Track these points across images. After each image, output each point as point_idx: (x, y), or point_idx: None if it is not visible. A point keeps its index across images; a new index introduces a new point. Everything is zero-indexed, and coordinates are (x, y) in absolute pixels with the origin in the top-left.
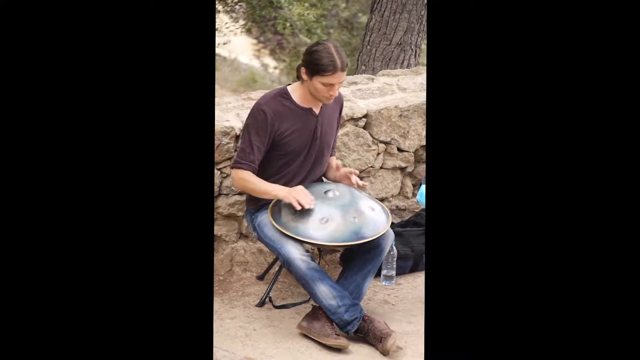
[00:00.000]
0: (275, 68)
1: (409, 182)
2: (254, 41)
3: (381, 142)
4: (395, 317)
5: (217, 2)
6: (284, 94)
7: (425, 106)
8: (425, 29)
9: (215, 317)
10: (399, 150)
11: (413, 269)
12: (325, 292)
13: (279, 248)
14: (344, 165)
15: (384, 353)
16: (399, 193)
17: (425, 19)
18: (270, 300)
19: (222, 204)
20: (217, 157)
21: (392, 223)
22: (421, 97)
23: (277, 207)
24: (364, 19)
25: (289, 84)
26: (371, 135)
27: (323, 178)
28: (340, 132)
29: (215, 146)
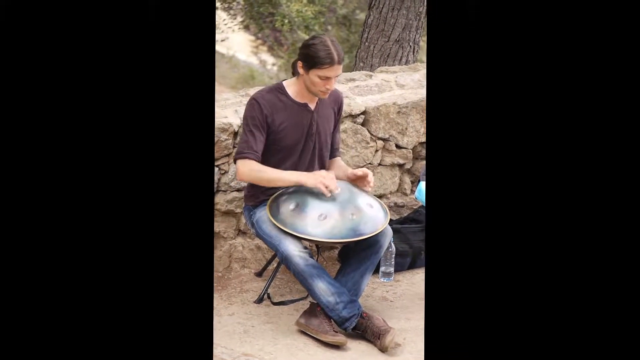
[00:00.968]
0: (274, 65)
1: (407, 179)
2: (252, 38)
3: (379, 138)
4: (393, 314)
5: None
6: (279, 89)
7: (423, 103)
8: (423, 25)
9: (213, 314)
10: (397, 147)
11: (411, 266)
12: (323, 288)
13: (277, 244)
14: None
15: (382, 350)
16: (397, 190)
17: (423, 15)
18: (269, 297)
19: (220, 201)
20: (216, 153)
21: (391, 220)
22: (419, 93)
23: (276, 203)
24: (362, 15)
25: (285, 80)
26: (369, 132)
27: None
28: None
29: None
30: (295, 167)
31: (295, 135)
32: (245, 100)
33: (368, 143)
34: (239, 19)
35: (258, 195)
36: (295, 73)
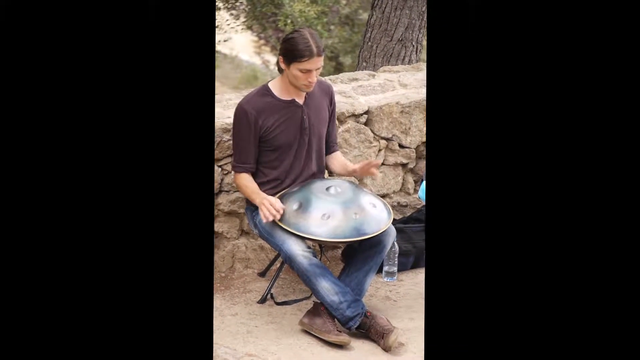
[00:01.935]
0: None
1: (410, 179)
2: (255, 38)
3: (382, 138)
4: (397, 314)
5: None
6: (264, 91)
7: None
8: (426, 25)
9: (216, 314)
10: (401, 146)
11: (415, 265)
12: (327, 288)
13: (280, 244)
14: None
15: (386, 349)
16: (400, 189)
17: (426, 15)
18: (272, 297)
19: (223, 201)
20: (218, 154)
21: (394, 219)
22: (422, 93)
23: None
24: (364, 15)
25: (270, 80)
26: (372, 131)
27: (326, 173)
28: (342, 128)
29: (217, 143)
30: (292, 164)
31: (289, 133)
32: None
33: (371, 142)
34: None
35: None
36: (280, 70)
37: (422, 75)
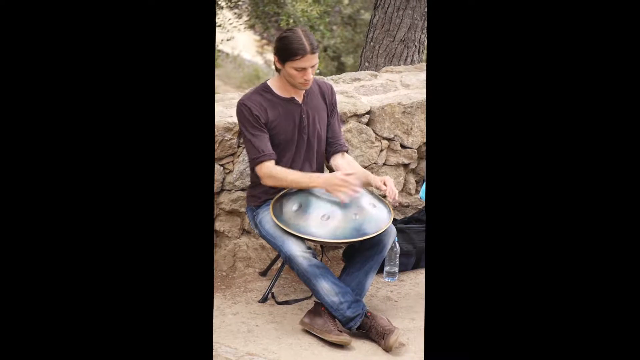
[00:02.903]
0: None
1: (412, 179)
2: (257, 37)
3: (384, 138)
4: (397, 314)
5: None
6: (264, 88)
7: None
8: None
9: (217, 313)
10: (402, 146)
11: (415, 266)
12: (328, 288)
13: (280, 245)
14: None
15: (387, 349)
16: (402, 190)
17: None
18: (273, 296)
19: (224, 200)
20: (220, 152)
21: (395, 219)
22: (424, 93)
23: (279, 203)
24: (367, 15)
25: (269, 79)
26: (374, 131)
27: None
28: (344, 128)
29: (218, 142)
30: (292, 162)
31: (288, 131)
32: None
33: (373, 143)
34: (245, 18)
35: (260, 195)
36: (278, 70)
37: (424, 75)
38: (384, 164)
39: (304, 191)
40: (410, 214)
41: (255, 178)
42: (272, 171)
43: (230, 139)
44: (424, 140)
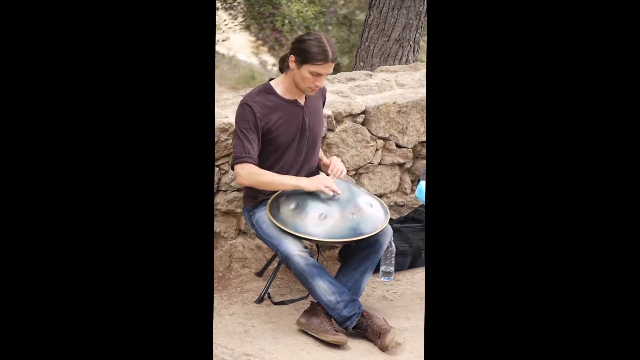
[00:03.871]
0: (274, 65)
1: (407, 178)
2: (253, 38)
3: (379, 138)
4: (393, 313)
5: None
6: (268, 89)
7: (423, 102)
8: (423, 25)
9: (214, 314)
10: (398, 146)
11: (411, 265)
12: (324, 288)
13: (277, 244)
14: (343, 161)
15: (383, 349)
16: (397, 189)
17: (423, 15)
18: (269, 297)
19: (220, 201)
20: (216, 153)
21: (391, 219)
22: (419, 93)
23: (276, 203)
24: (362, 15)
25: (272, 79)
26: (369, 131)
27: (321, 172)
28: (339, 128)
29: (214, 143)
30: (291, 164)
31: (290, 133)
32: None
33: (368, 142)
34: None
35: (257, 195)
36: (282, 69)
37: (419, 75)
38: (380, 164)
39: (301, 190)
40: (405, 214)
41: None
42: (251, 170)
43: (226, 139)
44: (419, 139)
